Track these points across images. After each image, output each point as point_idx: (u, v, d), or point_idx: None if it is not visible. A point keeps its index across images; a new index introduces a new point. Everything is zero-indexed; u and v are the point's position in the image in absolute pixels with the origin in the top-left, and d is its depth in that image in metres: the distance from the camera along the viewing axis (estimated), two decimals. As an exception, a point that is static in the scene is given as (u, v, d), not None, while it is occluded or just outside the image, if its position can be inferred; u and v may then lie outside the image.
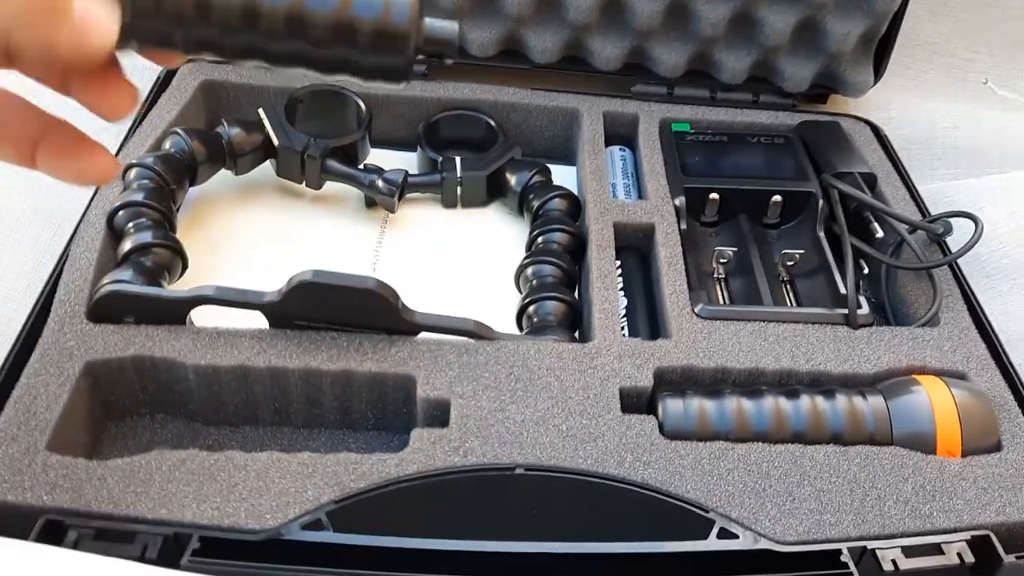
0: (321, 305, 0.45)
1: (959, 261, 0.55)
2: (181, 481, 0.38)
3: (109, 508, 0.37)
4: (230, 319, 0.46)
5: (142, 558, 0.35)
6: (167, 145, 0.55)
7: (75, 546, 0.36)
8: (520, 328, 0.52)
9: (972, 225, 0.54)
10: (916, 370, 0.48)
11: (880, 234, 0.57)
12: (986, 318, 0.52)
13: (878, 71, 0.68)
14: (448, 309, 0.51)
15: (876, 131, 0.68)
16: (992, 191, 0.64)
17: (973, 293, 0.54)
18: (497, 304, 0.54)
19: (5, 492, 0.37)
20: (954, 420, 0.44)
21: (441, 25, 0.35)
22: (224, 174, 0.59)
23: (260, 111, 0.59)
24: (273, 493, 0.38)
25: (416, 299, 0.48)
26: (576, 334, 0.51)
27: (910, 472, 0.42)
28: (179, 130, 0.55)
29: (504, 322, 0.52)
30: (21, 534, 0.35)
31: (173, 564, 0.35)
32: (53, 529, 0.36)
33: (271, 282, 0.45)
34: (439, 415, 0.43)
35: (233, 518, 0.37)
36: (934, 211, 0.61)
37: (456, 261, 0.59)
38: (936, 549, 0.39)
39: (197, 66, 0.64)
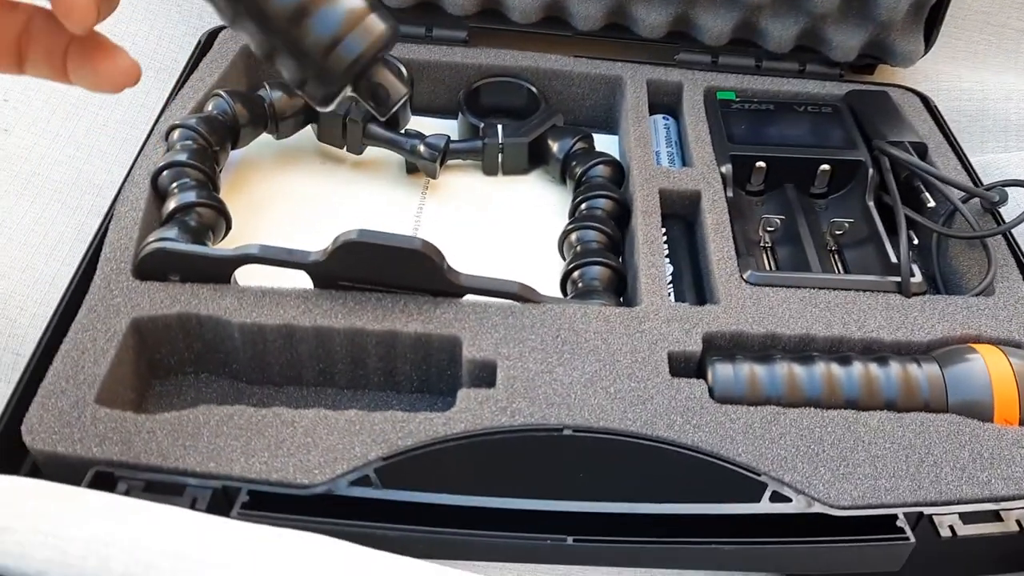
0: (366, 265, 0.45)
1: (1013, 231, 0.54)
2: (229, 436, 0.38)
3: (158, 461, 0.37)
4: (273, 279, 0.46)
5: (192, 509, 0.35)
6: (209, 107, 0.55)
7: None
8: (564, 293, 0.51)
9: (1028, 195, 0.53)
10: (971, 339, 0.46)
11: (931, 204, 0.55)
12: (1042, 288, 0.51)
13: (928, 41, 0.67)
14: (490, 275, 0.51)
15: (926, 101, 0.67)
16: (1046, 163, 0.62)
17: (1028, 263, 0.53)
18: (539, 271, 0.54)
19: (55, 444, 0.37)
20: (1012, 388, 0.43)
21: (391, 81, 0.34)
22: (265, 138, 0.59)
23: (302, 75, 0.58)
24: (321, 449, 0.38)
25: (457, 265, 0.47)
26: (621, 300, 0.51)
27: (967, 439, 0.41)
28: (222, 92, 0.55)
29: (546, 289, 0.51)
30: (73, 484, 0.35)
31: (223, 516, 0.35)
32: (103, 480, 0.36)
33: (311, 246, 0.45)
34: (485, 376, 0.43)
35: (281, 473, 0.37)
36: (986, 182, 0.60)
37: (497, 228, 0.58)
38: (994, 516, 0.38)
39: (238, 31, 0.64)
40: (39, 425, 0.38)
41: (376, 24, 0.34)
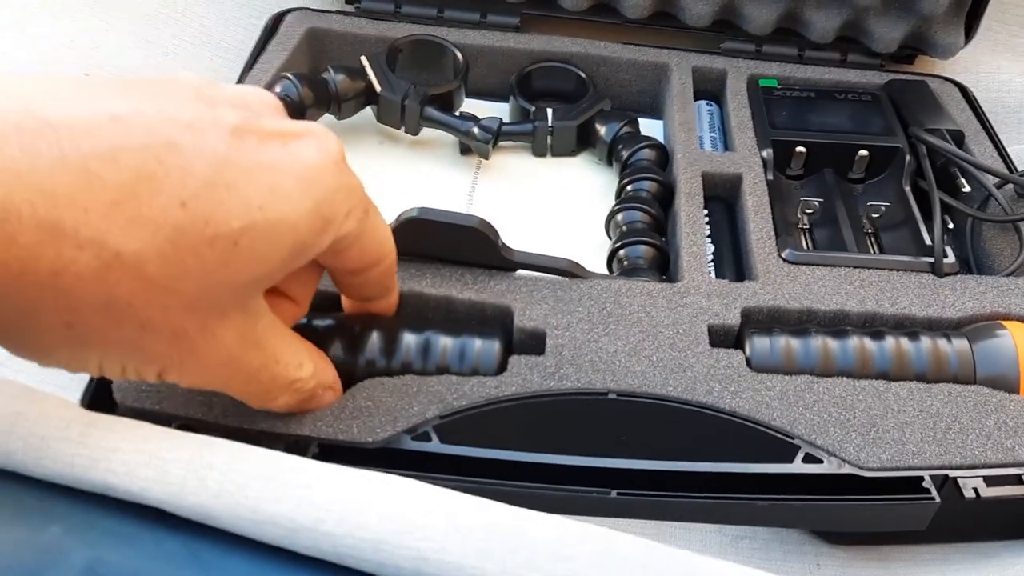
0: (426, 240, 0.47)
1: (1046, 217, 0.55)
2: None
3: (235, 421, 0.40)
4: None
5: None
6: (277, 89, 0.58)
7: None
8: (611, 271, 0.54)
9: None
10: (1001, 316, 0.48)
11: (967, 189, 0.57)
12: (1072, 270, 0.53)
13: (969, 33, 0.68)
14: (540, 251, 0.54)
15: (964, 91, 0.68)
16: (1081, 153, 0.64)
17: (1060, 247, 0.54)
18: (587, 249, 0.56)
19: (143, 401, 0.40)
20: (1039, 364, 0.45)
21: None
22: (327, 118, 0.62)
23: (363, 59, 0.62)
24: (381, 411, 0.41)
25: (509, 241, 0.50)
26: (664, 278, 0.53)
27: (993, 409, 0.43)
28: (289, 75, 0.58)
29: (593, 267, 0.54)
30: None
31: (295, 464, 0.38)
32: (191, 428, 0.39)
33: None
34: (535, 345, 0.46)
35: (347, 433, 0.40)
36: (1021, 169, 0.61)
37: (547, 207, 0.61)
38: (1017, 480, 0.40)
39: (303, 14, 0.67)
40: (128, 384, 0.41)
41: None
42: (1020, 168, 0.63)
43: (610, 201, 0.59)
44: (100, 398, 0.42)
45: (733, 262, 0.54)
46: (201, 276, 0.29)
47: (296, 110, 0.58)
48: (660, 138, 0.64)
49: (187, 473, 0.30)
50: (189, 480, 0.30)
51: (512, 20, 0.69)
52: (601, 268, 0.54)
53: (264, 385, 0.36)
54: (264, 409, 0.39)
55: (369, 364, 0.44)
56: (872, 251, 0.56)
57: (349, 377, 0.43)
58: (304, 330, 0.42)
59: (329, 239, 0.33)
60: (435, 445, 0.40)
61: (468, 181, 0.62)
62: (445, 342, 0.45)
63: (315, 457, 0.39)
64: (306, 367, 0.38)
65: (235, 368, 0.34)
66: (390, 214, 0.47)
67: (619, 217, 0.56)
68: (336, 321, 0.45)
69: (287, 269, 0.32)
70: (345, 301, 0.45)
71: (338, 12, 0.69)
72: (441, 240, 0.47)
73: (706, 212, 0.57)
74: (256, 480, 0.30)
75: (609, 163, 0.63)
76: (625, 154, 0.60)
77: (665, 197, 0.57)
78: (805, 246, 0.56)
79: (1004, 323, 0.47)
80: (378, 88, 0.60)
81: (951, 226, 0.58)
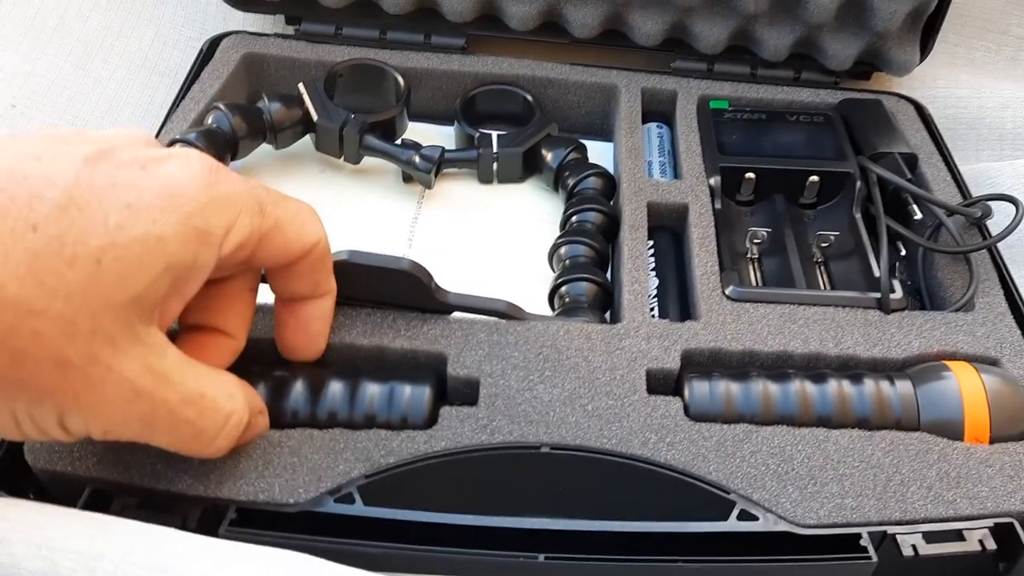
0: (357, 284, 0.46)
1: (999, 245, 0.54)
2: (218, 459, 0.39)
3: (151, 482, 0.38)
4: (266, 295, 0.47)
5: (183, 527, 0.37)
6: (209, 120, 0.57)
7: (120, 514, 0.37)
8: (552, 307, 0.53)
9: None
10: (947, 355, 0.47)
11: (919, 216, 0.56)
12: (1023, 303, 0.52)
13: (924, 49, 0.67)
14: (483, 285, 0.52)
15: (920, 110, 0.67)
16: (1038, 173, 0.63)
17: (1011, 278, 0.53)
18: (531, 281, 0.55)
19: (55, 463, 0.39)
20: (983, 407, 0.44)
21: None
22: (265, 147, 0.60)
23: (300, 86, 0.60)
24: (306, 468, 0.40)
25: (451, 274, 0.48)
26: (608, 314, 0.52)
27: (935, 458, 0.42)
28: (221, 105, 0.57)
29: (538, 298, 0.53)
30: (69, 503, 0.37)
31: (211, 533, 0.37)
32: (100, 497, 0.38)
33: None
34: (469, 393, 0.44)
35: (268, 493, 0.38)
36: (976, 192, 0.60)
37: (492, 237, 0.60)
38: (957, 535, 0.39)
39: (240, 38, 0.65)
40: (40, 445, 0.39)
41: None
42: (976, 189, 0.62)
43: (557, 228, 0.58)
44: (11, 462, 0.40)
45: (678, 297, 0.53)
46: (68, 297, 0.29)
47: (229, 141, 0.56)
48: (610, 162, 0.63)
49: (77, 566, 0.29)
50: (79, 573, 0.29)
51: (457, 41, 0.67)
52: (546, 300, 0.53)
53: (195, 425, 0.34)
54: (200, 456, 0.37)
55: (294, 413, 0.43)
56: (821, 281, 0.55)
57: (275, 426, 0.41)
58: None
59: (214, 251, 0.33)
60: (358, 508, 0.38)
61: (411, 211, 0.61)
62: (373, 390, 0.43)
63: (232, 524, 0.38)
64: (237, 397, 0.36)
65: (149, 406, 0.32)
66: (330, 249, 0.45)
67: (562, 251, 0.54)
68: (261, 367, 0.43)
69: (171, 287, 0.32)
70: (278, 340, 0.43)
71: (277, 35, 0.67)
72: (372, 284, 0.46)
73: (652, 243, 0.56)
74: (150, 573, 0.29)
75: (556, 189, 0.62)
76: (571, 182, 0.59)
77: (610, 229, 0.56)
78: (753, 277, 0.55)
79: (949, 364, 0.46)
80: (315, 117, 0.59)
81: (903, 253, 0.57)
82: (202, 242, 0.32)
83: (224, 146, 0.56)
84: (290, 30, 0.68)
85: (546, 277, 0.55)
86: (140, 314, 0.31)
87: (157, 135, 0.57)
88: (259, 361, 0.44)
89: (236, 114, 0.57)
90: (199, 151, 0.39)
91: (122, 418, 0.32)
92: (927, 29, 0.67)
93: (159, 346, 0.32)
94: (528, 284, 0.55)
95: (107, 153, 0.31)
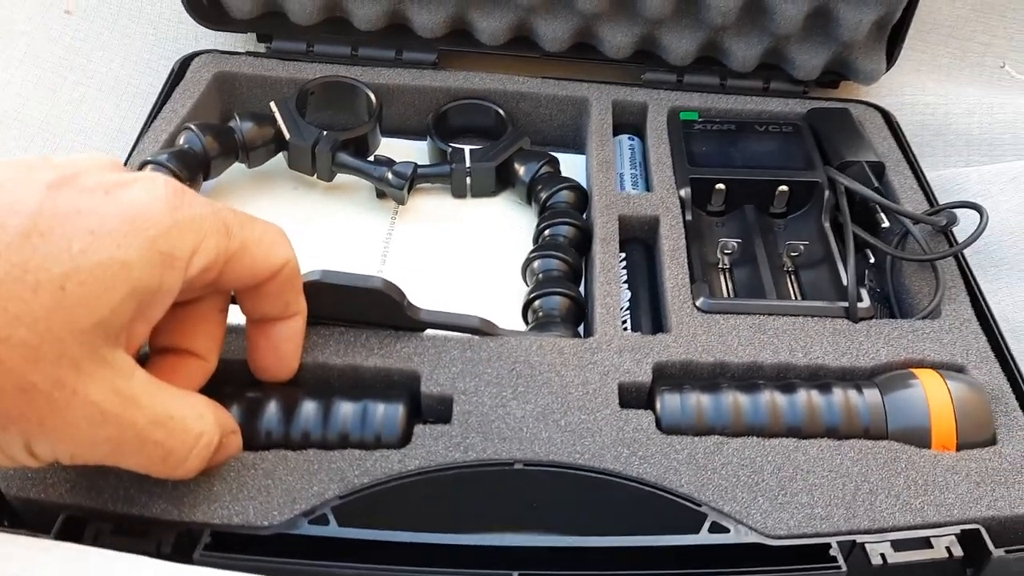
0: (329, 303, 0.46)
1: (965, 251, 0.55)
2: (192, 482, 0.39)
3: (125, 507, 0.38)
4: (239, 315, 0.47)
5: (157, 552, 0.37)
6: (180, 141, 0.57)
7: (94, 540, 0.37)
8: (526, 322, 0.53)
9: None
10: (914, 363, 0.48)
11: (886, 224, 0.57)
12: (989, 310, 0.52)
13: (891, 58, 0.68)
14: (457, 300, 0.53)
15: (887, 117, 0.68)
16: (1003, 179, 0.64)
17: (977, 284, 0.54)
18: (506, 295, 0.55)
19: (28, 490, 0.39)
20: (949, 414, 0.44)
21: None
22: (238, 166, 0.60)
23: (272, 105, 0.60)
24: (280, 490, 0.40)
25: (426, 290, 0.49)
26: (582, 328, 0.52)
27: (903, 466, 0.42)
28: (192, 126, 0.57)
29: (513, 312, 0.53)
30: (44, 529, 0.37)
31: (186, 558, 0.37)
32: (74, 524, 0.38)
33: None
34: (442, 410, 0.45)
35: (242, 516, 0.39)
36: (943, 199, 0.61)
37: (466, 251, 0.60)
38: (925, 543, 0.40)
39: (211, 57, 0.66)
40: (14, 472, 0.39)
41: None
42: (944, 196, 0.63)
43: (531, 242, 0.58)
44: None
45: (650, 308, 0.54)
46: (32, 323, 0.29)
47: (201, 161, 0.56)
48: (583, 174, 0.64)
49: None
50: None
51: (429, 56, 0.68)
52: (519, 314, 0.53)
53: (164, 447, 0.34)
54: (171, 478, 0.37)
55: (268, 435, 0.43)
56: (791, 290, 0.55)
57: (248, 448, 0.42)
58: None
59: (180, 274, 0.33)
60: (332, 529, 0.39)
61: (385, 226, 0.61)
62: (346, 409, 0.43)
63: (207, 548, 0.38)
64: (207, 417, 0.36)
65: (117, 429, 0.32)
66: (305, 266, 0.45)
67: (535, 264, 0.55)
68: (234, 389, 0.44)
69: (137, 311, 0.32)
70: (250, 361, 0.44)
71: (249, 54, 0.67)
72: (345, 303, 0.46)
73: (624, 256, 0.56)
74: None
75: (529, 203, 0.62)
76: (544, 196, 0.60)
77: (583, 242, 0.56)
78: (724, 288, 0.55)
79: (916, 372, 0.46)
80: (287, 135, 0.59)
81: (872, 260, 0.57)
82: (167, 265, 0.32)
83: (196, 166, 0.56)
84: (262, 48, 0.68)
85: (521, 291, 0.55)
86: (106, 338, 0.31)
87: (129, 156, 0.57)
88: (232, 383, 0.44)
89: (207, 134, 0.57)
90: (164, 175, 0.39)
91: (90, 442, 0.32)
92: (893, 38, 0.68)
93: (126, 369, 0.32)
94: (503, 298, 0.55)
95: (71, 179, 0.31)
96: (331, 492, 0.40)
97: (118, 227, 0.31)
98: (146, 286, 0.32)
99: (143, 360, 0.35)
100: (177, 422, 0.35)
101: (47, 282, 0.29)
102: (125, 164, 0.56)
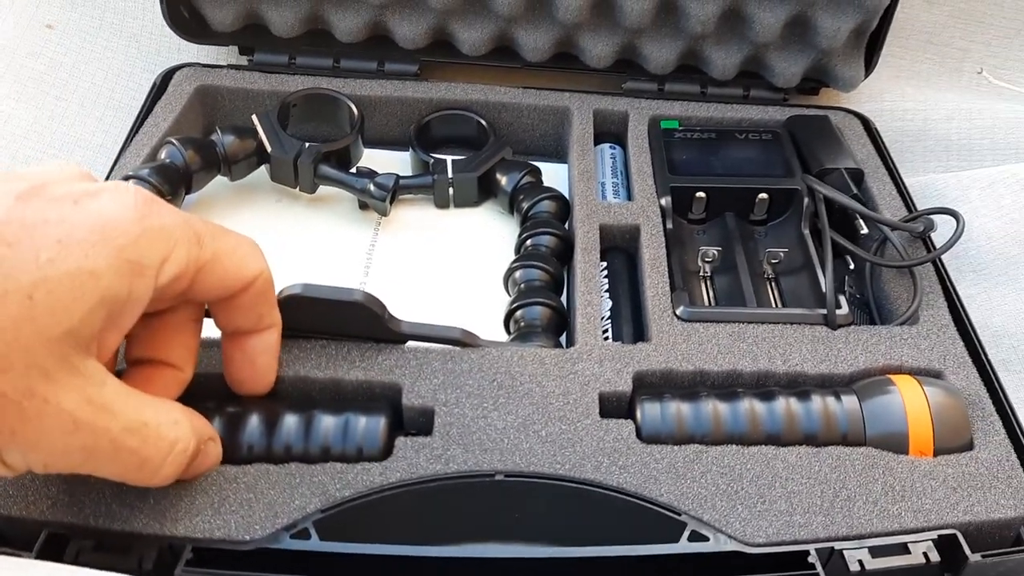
0: (311, 316, 0.46)
1: (943, 257, 0.55)
2: (174, 496, 0.40)
3: (106, 523, 0.38)
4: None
5: (139, 569, 0.37)
6: (162, 155, 0.57)
7: (76, 557, 0.37)
8: (508, 331, 0.53)
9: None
10: (892, 369, 0.48)
11: (865, 230, 0.57)
12: (966, 315, 0.53)
13: (869, 64, 0.69)
14: (440, 310, 0.53)
15: (867, 124, 0.69)
16: (981, 184, 0.64)
17: (955, 290, 0.55)
18: (488, 305, 0.56)
19: (10, 507, 0.39)
20: (926, 420, 0.45)
21: None
22: (220, 179, 0.61)
23: (253, 118, 0.60)
24: (262, 504, 0.40)
25: (409, 301, 0.49)
26: (564, 338, 0.53)
27: (880, 472, 0.43)
28: (173, 140, 0.57)
29: (496, 322, 0.54)
30: (26, 546, 0.37)
31: (168, 574, 0.37)
32: (56, 541, 0.38)
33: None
34: (424, 422, 0.45)
35: (224, 530, 0.39)
36: (922, 205, 0.62)
37: (449, 261, 0.60)
38: (902, 549, 0.40)
39: (193, 71, 0.66)
40: (-7, 488, 0.40)
41: None
42: (923, 201, 0.63)
43: (513, 251, 0.58)
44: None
45: (631, 317, 0.54)
46: (0, 332, 0.29)
47: (183, 175, 0.56)
48: (565, 183, 0.64)
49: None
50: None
51: (411, 68, 0.68)
52: (502, 324, 0.54)
53: (139, 454, 0.34)
54: (147, 485, 0.37)
55: (250, 448, 0.43)
56: (772, 298, 0.56)
57: (230, 461, 0.42)
58: None
59: (150, 283, 0.33)
60: (314, 543, 0.39)
61: (368, 238, 0.61)
62: (328, 422, 0.44)
63: (189, 564, 0.38)
64: (182, 424, 0.36)
65: (90, 437, 0.32)
66: (288, 278, 0.46)
67: (517, 274, 0.55)
68: (216, 403, 0.44)
69: (107, 320, 0.32)
70: (226, 375, 0.44)
71: (231, 67, 0.67)
72: (327, 316, 0.46)
73: (605, 264, 0.56)
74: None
75: (511, 213, 0.62)
76: (525, 206, 0.60)
77: (565, 252, 0.57)
78: (705, 295, 0.56)
79: (893, 378, 0.47)
80: (269, 148, 0.59)
81: (852, 267, 0.58)
82: (136, 274, 0.32)
83: (178, 180, 0.56)
84: (243, 61, 0.69)
85: (503, 301, 0.55)
86: (76, 347, 0.31)
87: (111, 171, 0.57)
88: (214, 397, 0.44)
89: (189, 148, 0.57)
90: (135, 184, 0.39)
91: (63, 450, 0.32)
92: (871, 44, 0.68)
93: (97, 377, 0.33)
94: (485, 308, 0.56)
95: (39, 189, 0.31)
96: (313, 506, 0.40)
97: (86, 236, 0.31)
98: (115, 295, 0.32)
99: (119, 373, 0.35)
100: (151, 429, 0.35)
101: (15, 292, 0.29)
102: (107, 179, 0.57)
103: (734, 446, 0.44)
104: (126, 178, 0.54)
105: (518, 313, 0.52)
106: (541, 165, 0.64)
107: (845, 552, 0.40)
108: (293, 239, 0.60)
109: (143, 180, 0.54)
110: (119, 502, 0.39)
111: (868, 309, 0.56)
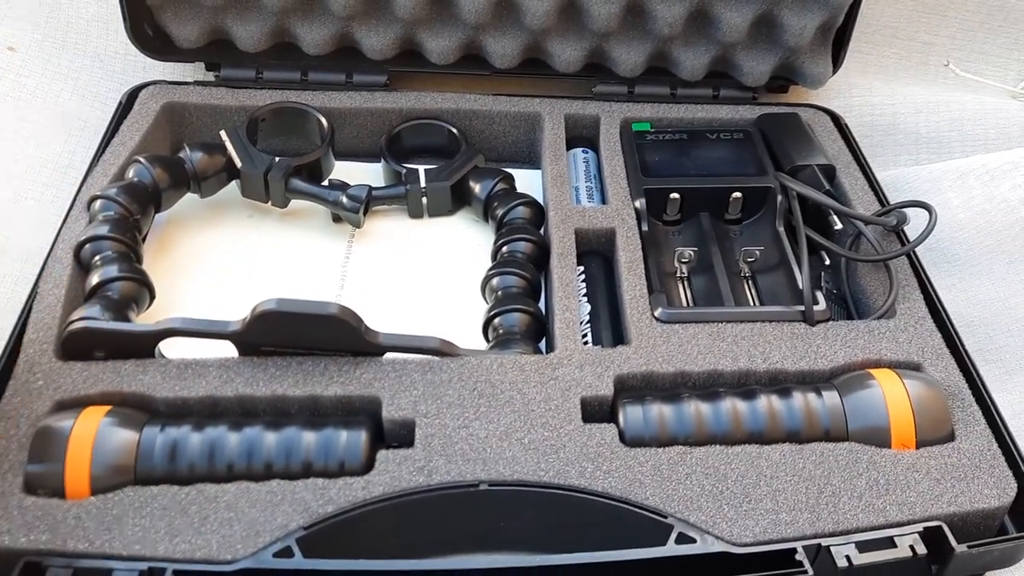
0: (286, 331, 0.46)
1: (917, 250, 0.56)
2: (154, 517, 0.39)
3: (85, 547, 0.38)
4: (200, 347, 0.47)
5: (118, 595, 0.37)
6: (130, 174, 0.56)
7: (54, 586, 0.37)
8: (487, 339, 0.53)
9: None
10: (871, 363, 0.49)
11: (839, 226, 0.57)
12: (942, 306, 0.53)
13: (837, 61, 0.69)
14: (418, 321, 0.52)
15: (836, 120, 0.69)
16: (951, 176, 0.65)
17: (930, 282, 0.55)
18: (466, 313, 0.55)
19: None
20: (908, 413, 0.45)
21: None
22: (191, 196, 0.60)
23: (222, 133, 0.60)
24: (244, 523, 0.39)
25: (385, 312, 0.48)
26: (543, 343, 0.52)
27: (864, 467, 0.43)
28: (141, 158, 0.56)
29: (474, 330, 0.53)
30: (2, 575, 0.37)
31: (148, 599, 0.37)
32: (33, 570, 0.37)
33: (241, 303, 0.46)
34: (405, 434, 0.44)
35: (205, 550, 0.38)
36: (894, 198, 0.62)
37: (424, 271, 0.60)
38: (889, 542, 0.40)
39: (159, 88, 0.65)
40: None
41: None
42: (895, 195, 0.63)
43: (489, 259, 0.58)
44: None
45: (610, 321, 0.54)
46: None
47: (152, 194, 0.56)
48: (539, 189, 0.64)
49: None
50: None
51: (379, 79, 0.67)
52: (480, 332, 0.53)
53: None
54: None
55: (230, 467, 0.42)
56: (749, 296, 0.56)
57: (210, 480, 0.41)
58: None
59: None
60: (298, 561, 0.38)
61: (342, 250, 0.61)
62: (309, 438, 0.43)
63: (170, 586, 0.37)
64: None
65: None
66: (262, 294, 0.45)
67: (494, 282, 0.55)
68: (197, 420, 0.43)
69: None
70: None
71: (197, 83, 0.67)
72: (302, 330, 0.46)
73: (582, 269, 0.56)
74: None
75: (486, 220, 0.62)
76: (500, 213, 0.60)
77: (541, 257, 0.56)
78: (682, 296, 0.56)
79: (873, 371, 0.47)
80: (239, 163, 0.59)
81: (828, 263, 0.58)
82: None
83: (147, 199, 0.55)
84: (210, 77, 0.68)
85: (481, 308, 0.55)
86: None
87: (78, 191, 0.56)
88: (195, 414, 0.44)
89: (157, 166, 0.56)
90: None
91: None
92: (838, 41, 0.69)
93: None
94: (463, 316, 0.55)
95: None
96: (295, 523, 0.40)
97: None
98: None
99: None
100: None
101: None
102: (75, 199, 0.56)
103: (718, 446, 0.44)
104: (93, 199, 0.54)
105: (496, 320, 0.52)
106: (514, 171, 0.64)
107: (832, 548, 0.40)
108: (266, 254, 0.59)
109: (111, 200, 0.53)
110: (96, 524, 0.39)
111: (845, 304, 0.56)
